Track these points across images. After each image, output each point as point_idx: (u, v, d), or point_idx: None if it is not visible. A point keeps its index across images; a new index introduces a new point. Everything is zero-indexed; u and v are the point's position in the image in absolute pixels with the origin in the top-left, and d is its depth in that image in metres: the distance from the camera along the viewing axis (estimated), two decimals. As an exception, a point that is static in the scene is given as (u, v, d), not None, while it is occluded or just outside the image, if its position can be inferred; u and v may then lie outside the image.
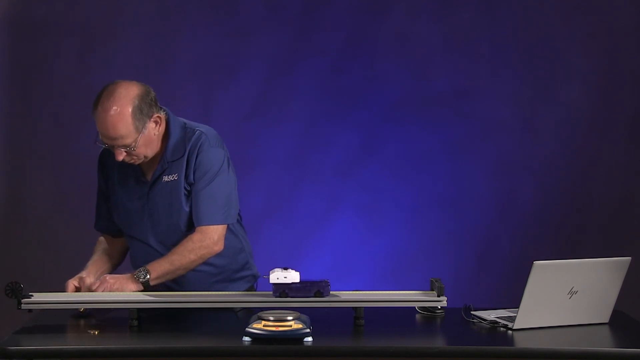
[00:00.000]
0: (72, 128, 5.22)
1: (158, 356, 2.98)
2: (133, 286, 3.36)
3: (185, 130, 3.49)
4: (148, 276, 3.37)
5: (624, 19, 5.23)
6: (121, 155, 3.38)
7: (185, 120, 3.54)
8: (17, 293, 3.18)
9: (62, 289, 3.42)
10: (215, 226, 3.45)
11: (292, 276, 3.22)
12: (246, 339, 3.00)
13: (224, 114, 5.20)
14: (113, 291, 3.33)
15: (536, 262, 3.13)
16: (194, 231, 3.46)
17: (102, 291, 3.33)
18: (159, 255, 3.47)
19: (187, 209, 3.47)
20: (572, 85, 5.25)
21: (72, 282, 3.43)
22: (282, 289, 3.22)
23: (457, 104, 5.28)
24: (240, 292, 3.54)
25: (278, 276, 3.22)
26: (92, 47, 5.22)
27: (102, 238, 3.68)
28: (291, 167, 5.27)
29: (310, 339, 3.00)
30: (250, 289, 3.68)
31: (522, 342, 3.08)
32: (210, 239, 3.44)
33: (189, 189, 3.47)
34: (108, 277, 3.39)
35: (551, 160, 5.29)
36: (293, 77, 5.26)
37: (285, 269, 3.23)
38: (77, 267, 5.23)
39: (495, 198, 5.30)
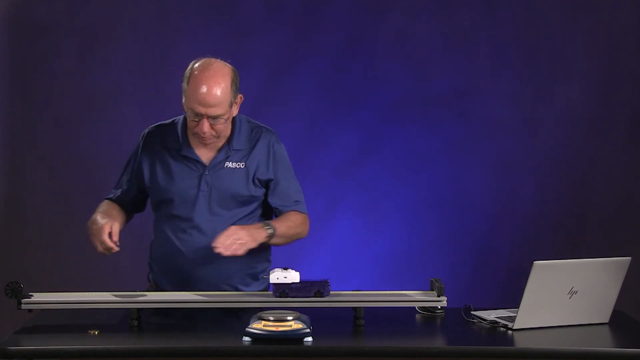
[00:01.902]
0: (72, 128, 5.22)
1: (158, 356, 2.98)
2: (262, 236, 3.47)
3: (249, 124, 3.64)
4: (274, 232, 3.51)
5: (624, 19, 5.23)
6: (207, 127, 3.46)
7: (244, 116, 3.67)
8: (17, 293, 3.19)
9: (62, 289, 3.41)
10: (307, 214, 3.70)
11: (292, 276, 3.22)
12: (246, 339, 3.00)
13: (224, 114, 5.19)
14: (242, 244, 3.39)
15: (536, 262, 3.13)
16: (293, 212, 3.64)
17: (233, 241, 3.37)
18: (199, 233, 3.54)
19: (256, 196, 3.59)
20: (572, 85, 5.25)
21: (107, 227, 3.40)
22: (282, 289, 3.22)
23: (457, 104, 5.28)
24: (240, 292, 3.55)
25: (278, 276, 3.22)
26: (92, 47, 5.22)
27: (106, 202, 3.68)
28: (291, 167, 5.26)
29: (310, 339, 3.00)
30: (265, 290, 3.72)
31: (522, 342, 3.08)
32: (307, 223, 3.69)
33: (262, 180, 3.60)
34: (236, 228, 3.43)
35: (551, 160, 5.29)
36: (293, 77, 5.27)
37: (285, 269, 3.23)
38: (77, 267, 5.26)
39: (495, 198, 5.30)
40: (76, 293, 3.37)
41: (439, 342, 3.17)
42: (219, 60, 3.53)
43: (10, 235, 5.25)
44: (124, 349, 3.00)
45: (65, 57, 5.21)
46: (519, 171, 5.30)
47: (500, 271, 5.26)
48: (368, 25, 5.27)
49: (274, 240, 3.55)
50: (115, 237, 3.40)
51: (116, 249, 3.40)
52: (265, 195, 3.65)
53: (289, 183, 3.66)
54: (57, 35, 5.20)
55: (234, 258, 3.53)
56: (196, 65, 3.51)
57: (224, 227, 3.45)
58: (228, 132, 3.57)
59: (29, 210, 5.25)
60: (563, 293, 3.20)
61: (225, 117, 3.48)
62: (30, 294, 3.24)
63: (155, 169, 3.60)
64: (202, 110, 3.44)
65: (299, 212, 3.66)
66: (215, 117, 3.45)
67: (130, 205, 3.68)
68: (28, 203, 5.25)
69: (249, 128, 3.62)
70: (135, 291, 3.40)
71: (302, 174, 5.24)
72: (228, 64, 3.54)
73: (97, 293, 3.33)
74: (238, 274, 3.60)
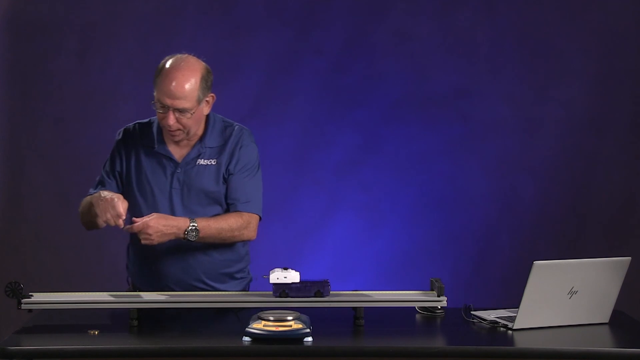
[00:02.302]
0: (72, 128, 5.22)
1: (158, 356, 2.98)
2: (177, 236, 3.43)
3: (224, 123, 3.65)
4: (196, 236, 3.46)
5: (624, 19, 5.23)
6: (172, 120, 3.46)
7: (220, 116, 3.69)
8: (17, 293, 3.18)
9: (62, 289, 3.41)
10: (256, 216, 3.62)
11: (292, 276, 3.22)
12: (246, 339, 3.00)
13: (224, 114, 5.16)
14: (148, 238, 3.39)
15: (536, 262, 3.13)
16: (235, 214, 3.57)
17: (144, 236, 3.39)
18: None
19: (224, 192, 3.59)
20: (572, 85, 5.25)
21: (116, 196, 3.41)
22: (282, 289, 3.22)
23: (457, 104, 5.28)
24: (240, 292, 3.56)
25: (278, 276, 3.22)
26: (92, 47, 5.22)
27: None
28: (291, 167, 5.27)
29: (310, 339, 3.00)
30: (244, 289, 3.72)
31: (522, 342, 3.08)
32: (252, 225, 3.60)
33: (226, 176, 3.59)
34: (154, 220, 3.40)
35: (551, 160, 5.28)
36: (293, 77, 5.26)
37: (285, 269, 3.23)
38: (77, 267, 5.25)
39: (495, 198, 5.30)
40: (76, 293, 3.37)
41: (439, 342, 3.17)
42: (193, 56, 3.56)
43: (10, 235, 5.25)
44: (124, 349, 3.00)
45: (65, 57, 5.21)
46: (519, 171, 5.30)
47: (500, 271, 5.26)
48: (368, 25, 5.27)
49: (199, 240, 3.49)
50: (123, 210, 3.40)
51: (123, 217, 3.37)
52: None
53: (244, 181, 3.60)
54: (57, 35, 5.20)
55: (207, 257, 3.58)
56: (169, 59, 3.54)
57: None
58: (197, 130, 3.57)
59: (29, 210, 5.25)
60: (563, 293, 3.20)
61: (192, 111, 3.47)
62: (30, 294, 3.24)
63: (130, 167, 3.62)
64: (168, 102, 3.46)
65: (245, 212, 3.58)
66: (181, 111, 3.46)
67: None
68: (28, 203, 5.25)
69: (222, 126, 3.64)
70: (135, 291, 3.39)
71: (302, 174, 5.28)
72: (202, 62, 3.56)
73: (97, 293, 3.33)
74: (212, 272, 3.60)
